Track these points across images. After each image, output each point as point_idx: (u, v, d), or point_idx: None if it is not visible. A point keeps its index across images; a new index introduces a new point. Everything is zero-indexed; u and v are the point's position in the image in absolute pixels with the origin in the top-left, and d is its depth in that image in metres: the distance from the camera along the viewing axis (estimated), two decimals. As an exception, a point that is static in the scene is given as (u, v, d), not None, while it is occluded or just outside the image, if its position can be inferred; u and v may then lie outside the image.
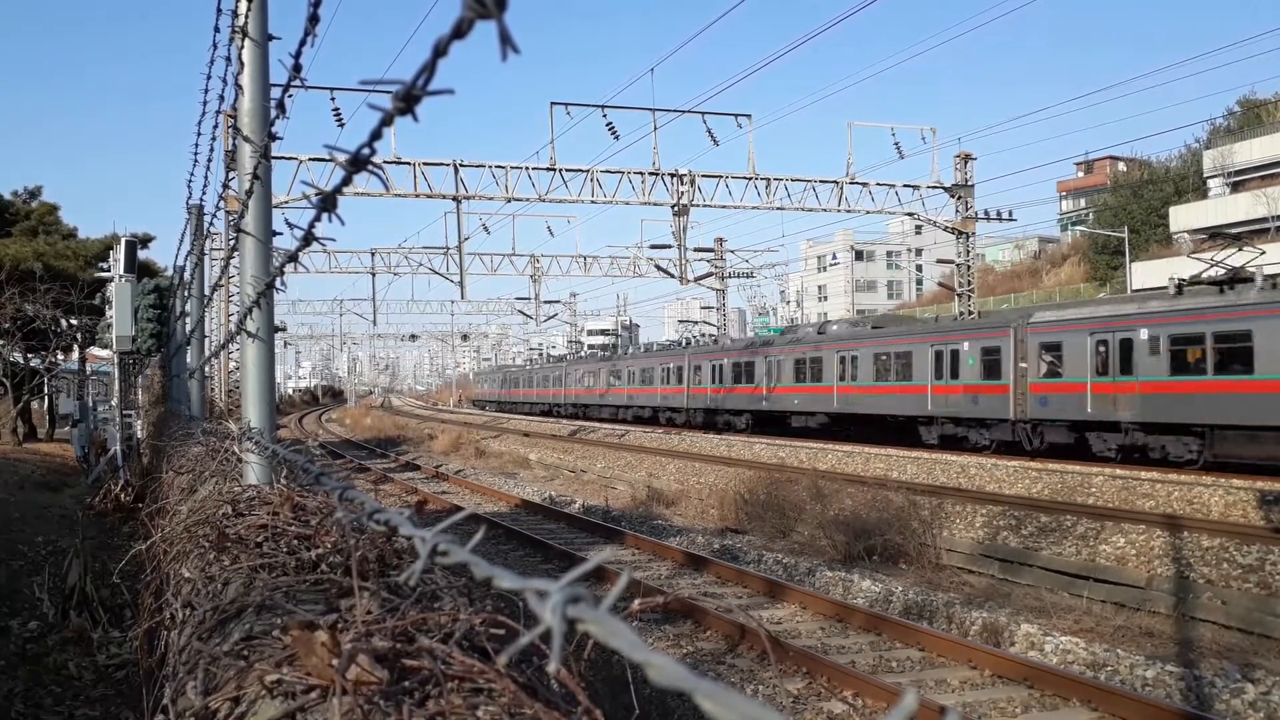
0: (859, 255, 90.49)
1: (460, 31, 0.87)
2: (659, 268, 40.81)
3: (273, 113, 3.83)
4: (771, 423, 36.19)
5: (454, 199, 28.97)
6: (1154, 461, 20.51)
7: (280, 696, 1.48)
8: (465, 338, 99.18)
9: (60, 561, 10.18)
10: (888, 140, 31.83)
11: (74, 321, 30.53)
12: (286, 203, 22.05)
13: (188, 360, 14.27)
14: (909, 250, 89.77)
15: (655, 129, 29.53)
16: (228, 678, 1.63)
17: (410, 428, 52.93)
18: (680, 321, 64.08)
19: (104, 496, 16.06)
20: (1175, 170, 59.85)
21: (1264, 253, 23.27)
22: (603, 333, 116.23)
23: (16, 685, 7.65)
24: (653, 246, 42.11)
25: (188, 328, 14.09)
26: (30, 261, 28.18)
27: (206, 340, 15.08)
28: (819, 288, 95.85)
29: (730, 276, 49.49)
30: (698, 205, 30.86)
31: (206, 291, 12.43)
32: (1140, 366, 20.98)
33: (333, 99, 26.63)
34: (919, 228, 47.04)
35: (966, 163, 33.36)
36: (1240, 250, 22.00)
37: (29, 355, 32.13)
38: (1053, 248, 76.13)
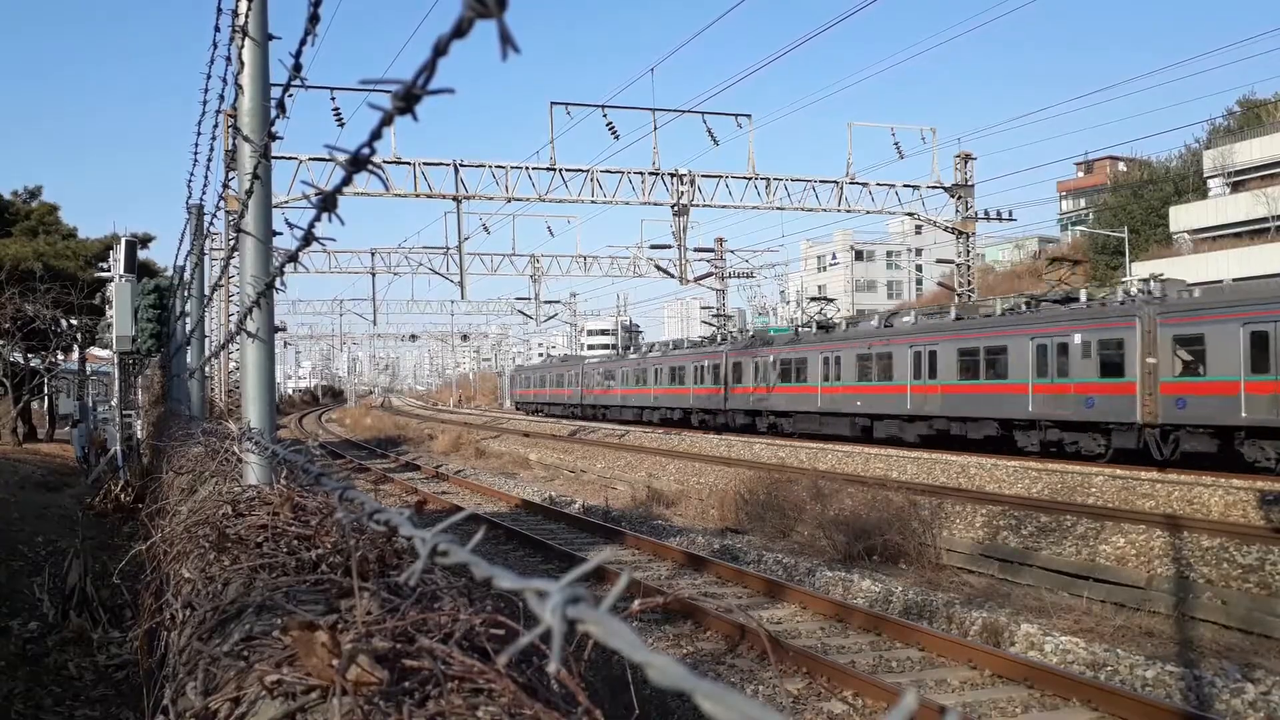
0: (859, 255, 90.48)
1: (460, 31, 0.87)
2: (659, 268, 40.84)
3: (273, 112, 3.83)
4: None
5: (454, 199, 29.00)
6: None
7: (280, 697, 1.48)
8: (465, 338, 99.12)
9: (60, 562, 10.18)
10: (888, 140, 31.90)
11: (74, 321, 30.56)
12: (286, 203, 22.06)
13: (188, 360, 14.28)
14: (909, 250, 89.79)
15: (655, 129, 29.59)
16: (228, 678, 1.63)
17: (410, 428, 52.94)
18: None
19: (104, 497, 16.07)
20: (1175, 170, 59.87)
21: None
22: (603, 332, 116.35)
23: (16, 685, 7.65)
24: (653, 246, 42.18)
25: (188, 328, 14.10)
26: (30, 261, 28.20)
27: (206, 340, 15.09)
28: (819, 288, 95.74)
29: (730, 276, 49.55)
30: (698, 205, 30.92)
31: (206, 291, 12.44)
32: None
33: (333, 99, 26.69)
34: (919, 228, 47.06)
35: (966, 163, 33.38)
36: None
37: (29, 355, 32.14)
38: (1053, 248, 76.09)
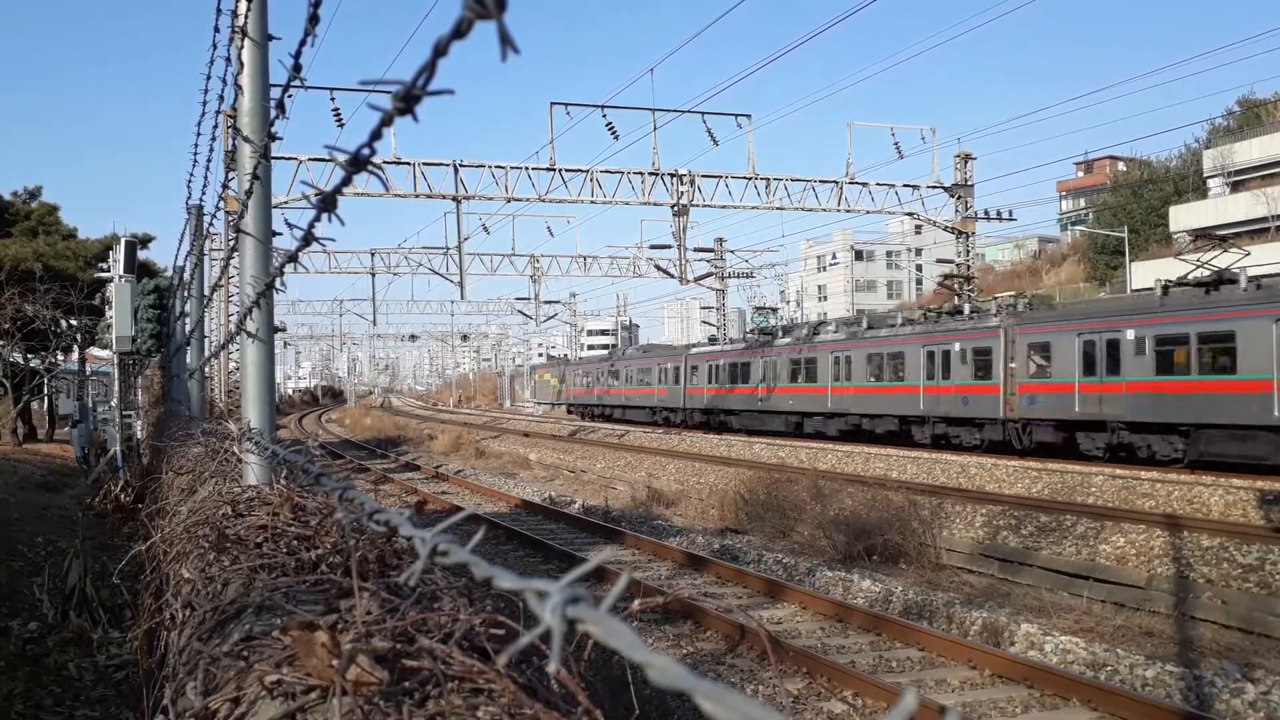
0: (859, 255, 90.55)
1: (460, 31, 0.87)
2: (659, 268, 40.84)
3: (272, 113, 3.83)
4: None
5: (454, 199, 28.98)
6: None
7: (280, 697, 1.48)
8: (465, 338, 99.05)
9: (60, 562, 10.19)
10: (887, 140, 31.85)
11: (74, 322, 30.56)
12: (286, 203, 22.05)
13: (187, 361, 14.28)
14: (909, 250, 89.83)
15: (655, 129, 29.56)
16: (228, 678, 1.63)
17: (410, 428, 52.94)
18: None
19: (104, 497, 16.08)
20: (1175, 170, 59.88)
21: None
22: (603, 333, 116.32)
23: (17, 686, 7.65)
24: (653, 246, 42.12)
25: (187, 328, 14.10)
26: (30, 261, 28.22)
27: (206, 340, 15.10)
28: (819, 287, 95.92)
29: (730, 276, 49.51)
30: (698, 205, 30.89)
31: (206, 292, 12.44)
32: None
33: (333, 99, 26.66)
34: (919, 228, 47.08)
35: (966, 163, 33.37)
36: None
37: (29, 356, 32.15)
38: (1053, 247, 76.19)
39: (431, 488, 25.28)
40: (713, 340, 46.31)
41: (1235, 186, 53.99)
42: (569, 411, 61.24)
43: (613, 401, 51.67)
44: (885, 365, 29.23)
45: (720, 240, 48.28)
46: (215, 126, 8.89)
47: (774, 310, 45.93)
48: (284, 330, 65.91)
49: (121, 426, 20.15)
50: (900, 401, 28.30)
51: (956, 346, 26.35)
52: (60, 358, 35.27)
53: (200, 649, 1.84)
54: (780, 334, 37.74)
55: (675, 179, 30.35)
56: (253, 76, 4.13)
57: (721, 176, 31.03)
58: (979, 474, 20.77)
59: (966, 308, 28.84)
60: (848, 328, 32.93)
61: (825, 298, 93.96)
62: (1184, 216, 53.36)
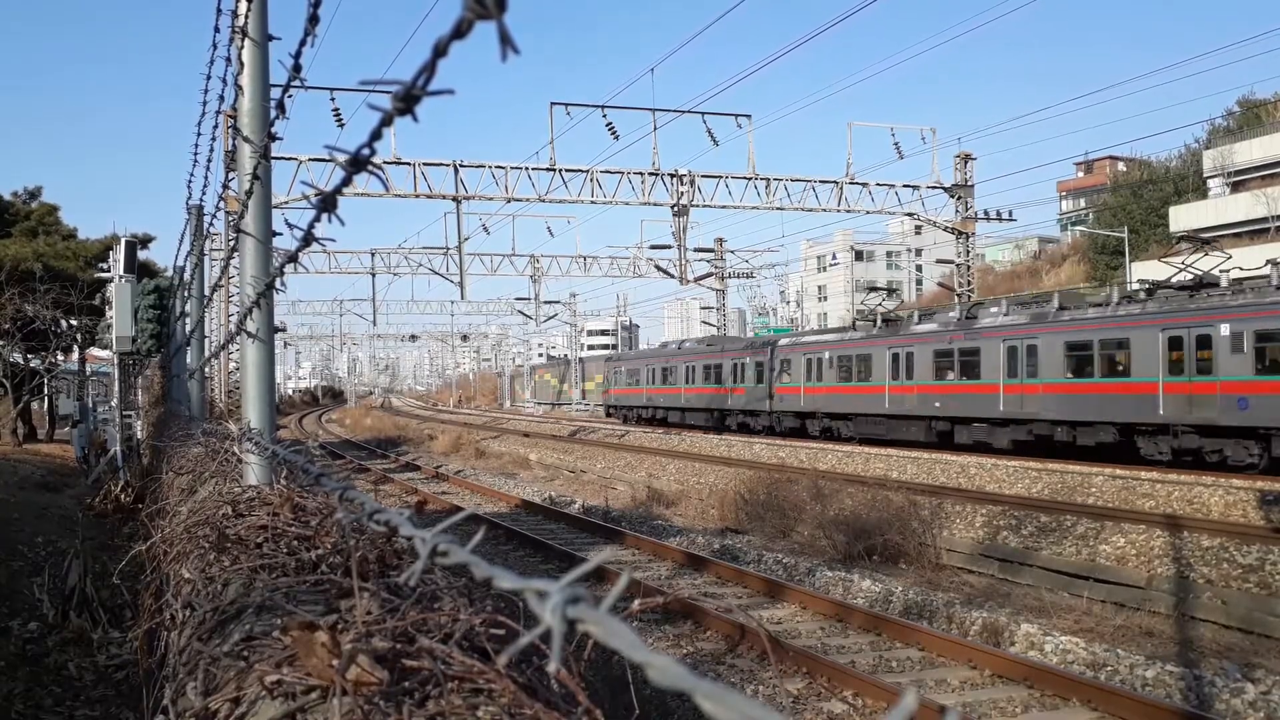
0: (859, 255, 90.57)
1: (460, 32, 0.87)
2: (659, 268, 40.87)
3: (273, 113, 3.83)
4: None
5: (454, 199, 29.00)
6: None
7: (280, 697, 1.48)
8: (465, 338, 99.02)
9: (60, 562, 10.18)
10: (887, 140, 31.88)
11: (74, 322, 30.57)
12: (286, 203, 22.05)
13: (188, 361, 14.29)
14: (909, 250, 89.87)
15: (655, 129, 29.59)
16: (228, 678, 1.63)
17: (410, 428, 52.92)
18: None
19: (104, 497, 16.07)
20: (1175, 170, 59.86)
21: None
22: (603, 333, 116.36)
23: (17, 686, 7.65)
24: (653, 247, 42.16)
25: (188, 328, 14.10)
26: (30, 262, 28.23)
27: (206, 340, 15.10)
28: (819, 288, 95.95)
29: (730, 277, 49.53)
30: (698, 205, 30.92)
31: (206, 292, 12.44)
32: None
33: (333, 99, 26.69)
34: (919, 228, 47.06)
35: (966, 163, 33.39)
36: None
37: (29, 356, 32.15)
38: (1053, 248, 76.18)
39: (431, 488, 25.27)
40: (715, 335, 45.40)
41: (1235, 187, 53.98)
42: (608, 414, 53.85)
43: (667, 403, 43.74)
44: (1097, 356, 21.97)
45: (720, 240, 48.31)
46: (215, 126, 8.88)
47: (892, 291, 36.15)
48: (284, 330, 65.89)
49: (121, 426, 20.15)
50: (1123, 405, 21.11)
51: (1223, 330, 19.11)
52: (60, 358, 35.28)
53: (200, 649, 1.84)
54: (916, 318, 30.23)
55: (675, 179, 30.37)
56: (253, 77, 4.13)
57: (721, 176, 31.04)
58: (979, 474, 20.76)
59: (1224, 278, 20.86)
60: (1027, 308, 25.60)
61: (825, 298, 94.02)
62: (1184, 217, 53.34)
